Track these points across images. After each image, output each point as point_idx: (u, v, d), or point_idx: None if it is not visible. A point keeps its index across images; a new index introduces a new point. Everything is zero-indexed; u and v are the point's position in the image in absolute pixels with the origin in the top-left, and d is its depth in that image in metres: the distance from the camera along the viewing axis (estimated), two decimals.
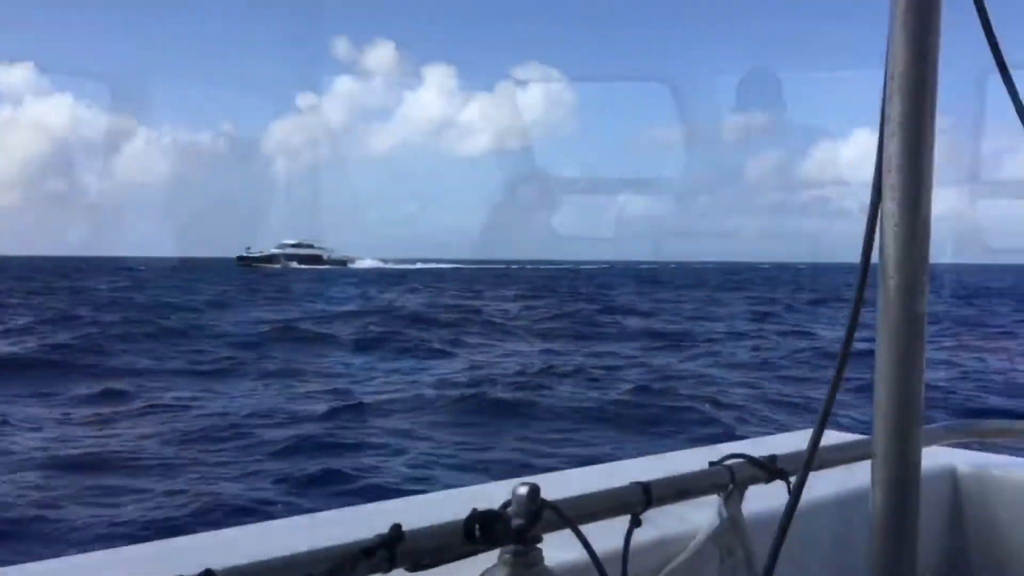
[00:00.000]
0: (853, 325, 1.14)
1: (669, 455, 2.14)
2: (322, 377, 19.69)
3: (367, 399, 16.33)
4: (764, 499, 1.48)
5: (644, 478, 1.44)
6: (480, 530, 1.14)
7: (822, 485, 1.73)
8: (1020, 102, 1.13)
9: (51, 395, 16.60)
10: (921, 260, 1.05)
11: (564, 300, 48.87)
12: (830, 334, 27.56)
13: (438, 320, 33.11)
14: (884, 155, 1.06)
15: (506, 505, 1.21)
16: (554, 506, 1.23)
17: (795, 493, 1.23)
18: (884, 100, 1.05)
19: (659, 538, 1.54)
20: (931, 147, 1.06)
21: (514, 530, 1.16)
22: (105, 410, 15.16)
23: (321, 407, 15.46)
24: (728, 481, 1.51)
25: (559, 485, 1.43)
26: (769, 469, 1.54)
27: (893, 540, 1.13)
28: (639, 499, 1.40)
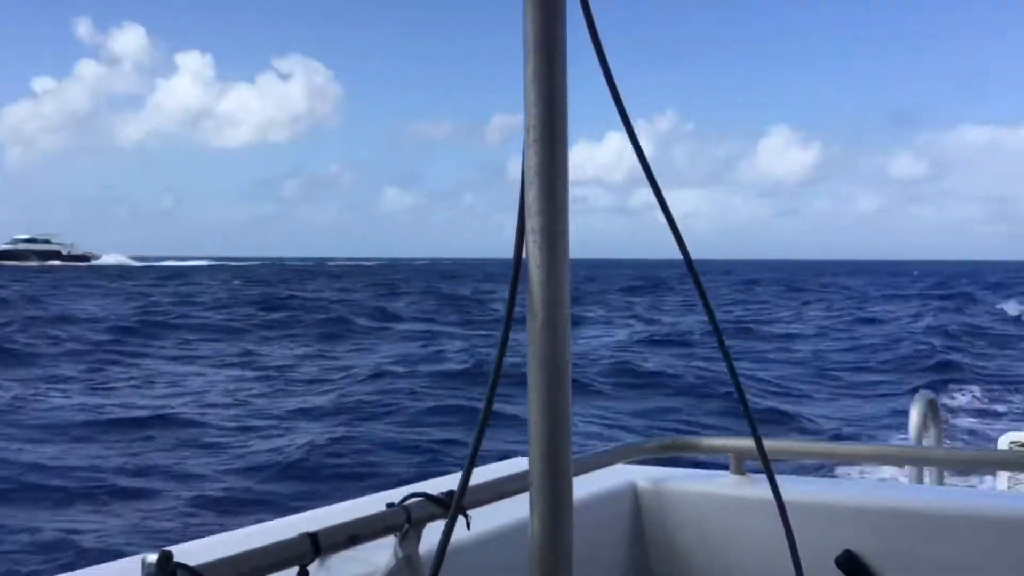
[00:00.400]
0: (501, 358, 1.17)
1: (351, 502, 2.07)
2: None
3: None
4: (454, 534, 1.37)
5: (317, 528, 1.40)
6: None
7: (504, 515, 1.80)
8: (642, 153, 1.22)
9: None
10: (562, 298, 1.09)
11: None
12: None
13: None
14: (526, 202, 1.09)
15: None
16: (193, 571, 1.14)
17: (447, 530, 1.23)
18: (524, 151, 1.10)
19: None
20: (565, 193, 1.10)
21: None
22: None
23: None
24: (404, 521, 1.51)
25: (225, 545, 1.38)
26: (447, 505, 1.53)
27: (549, 569, 1.11)
28: (306, 550, 1.36)
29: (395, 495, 1.61)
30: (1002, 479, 4.48)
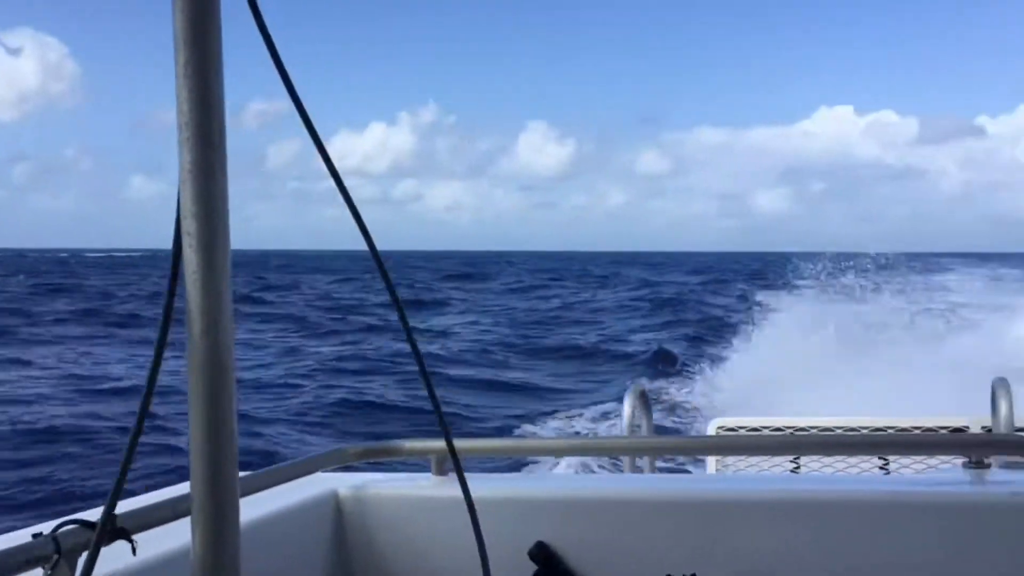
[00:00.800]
0: (156, 369, 1.10)
1: (6, 535, 1.90)
2: None
3: None
4: (117, 563, 1.32)
5: None
6: None
7: (178, 537, 1.63)
8: (323, 146, 1.18)
9: None
10: (222, 304, 1.05)
11: None
12: None
13: None
14: (182, 203, 1.04)
15: None
16: None
17: (90, 556, 1.13)
18: (179, 149, 1.04)
19: None
20: (224, 193, 1.05)
21: None
22: None
23: None
24: (52, 552, 1.38)
25: None
26: (107, 531, 1.37)
27: None
28: None
29: (49, 525, 1.49)
30: (711, 464, 4.64)
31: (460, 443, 1.62)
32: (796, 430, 4.50)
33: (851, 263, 28.38)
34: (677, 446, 3.17)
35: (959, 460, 2.40)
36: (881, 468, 4.07)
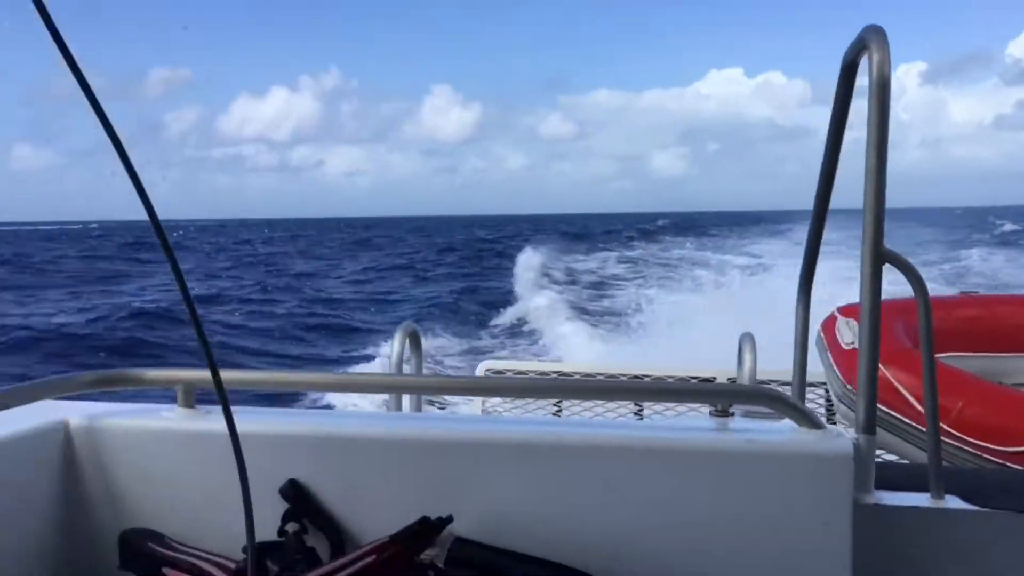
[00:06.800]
0: None
1: None
2: None
3: None
4: None
5: None
6: None
7: None
8: (97, 103, 1.07)
9: None
10: None
11: None
12: None
13: None
14: None
15: None
16: None
17: None
18: None
19: None
20: None
21: None
22: None
23: None
24: None
25: None
26: None
27: None
28: None
29: None
30: (476, 404, 4.71)
31: (223, 374, 1.55)
32: (560, 375, 4.67)
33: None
34: (442, 386, 3.18)
35: (706, 408, 2.53)
36: (636, 414, 4.15)
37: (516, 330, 18.73)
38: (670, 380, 4.18)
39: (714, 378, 4.28)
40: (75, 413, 2.19)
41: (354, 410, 3.70)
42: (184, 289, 1.23)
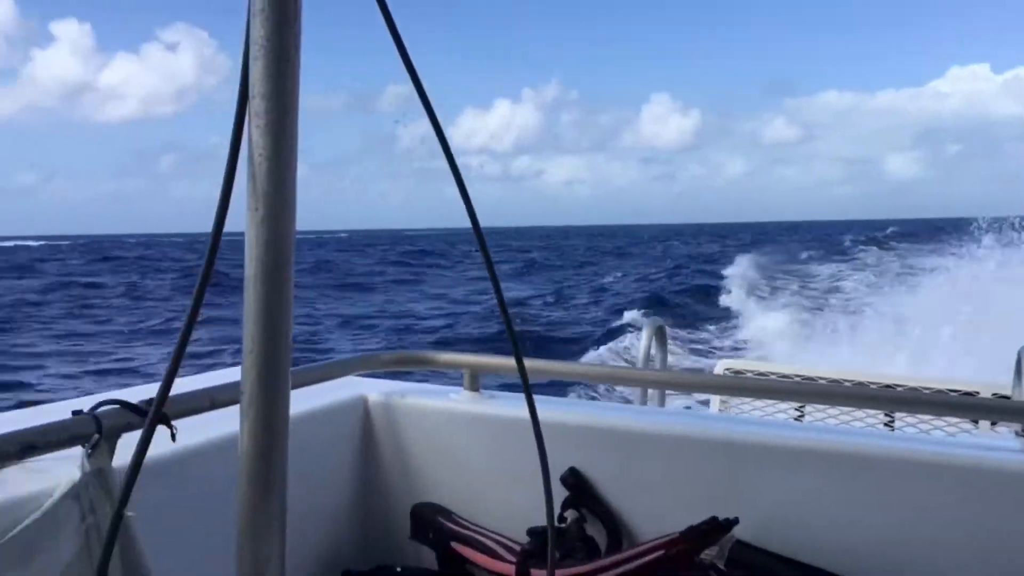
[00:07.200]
0: (212, 257, 1.04)
1: (36, 408, 1.91)
2: None
3: None
4: (155, 448, 1.19)
5: None
6: None
7: (218, 426, 1.71)
8: (435, 118, 1.11)
9: None
10: (287, 190, 0.98)
11: None
12: None
13: None
14: (249, 81, 0.97)
15: None
16: None
17: (143, 439, 1.09)
18: (248, 23, 0.97)
19: (6, 502, 1.37)
20: (296, 70, 0.97)
21: None
22: None
23: None
24: (93, 431, 1.38)
25: None
26: (145, 413, 1.41)
27: (261, 478, 1.03)
28: None
29: (86, 403, 1.48)
30: (715, 403, 4.66)
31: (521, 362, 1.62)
32: (803, 379, 4.45)
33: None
34: (687, 382, 3.07)
35: (966, 424, 2.33)
36: (886, 425, 3.99)
37: (734, 335, 18.46)
38: (926, 391, 3.89)
39: (976, 392, 3.98)
40: (373, 390, 2.33)
41: (633, 405, 3.49)
42: (496, 285, 1.26)
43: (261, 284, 1.00)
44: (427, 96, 1.10)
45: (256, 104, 0.98)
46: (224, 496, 1.17)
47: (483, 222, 1.21)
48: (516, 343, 1.33)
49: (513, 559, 1.93)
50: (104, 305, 30.29)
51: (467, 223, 1.19)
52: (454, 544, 2.06)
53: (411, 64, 1.08)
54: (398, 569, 2.17)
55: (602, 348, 16.98)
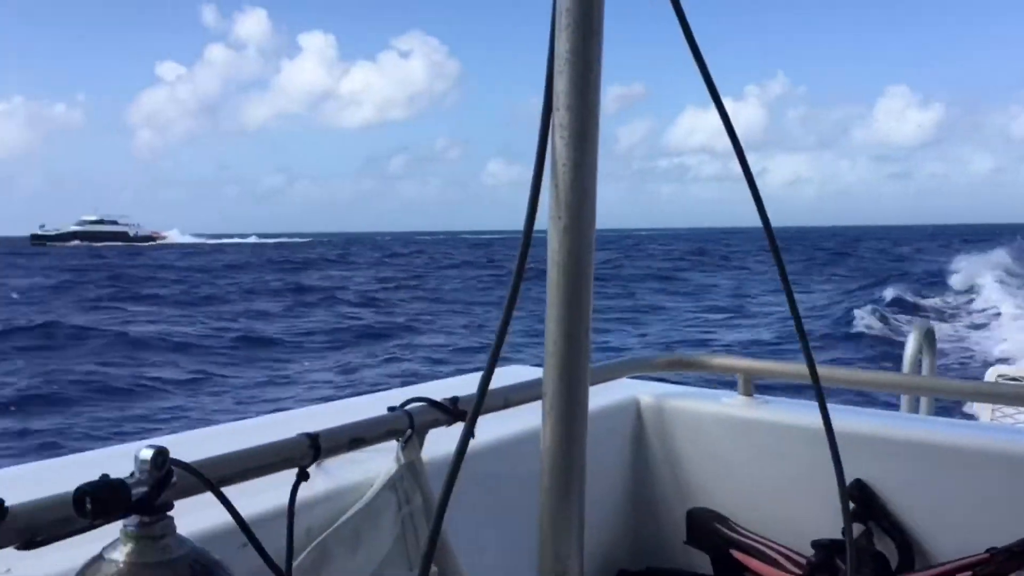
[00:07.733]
0: (522, 263, 1.07)
1: (347, 401, 2.06)
2: None
3: None
4: (451, 442, 1.25)
5: (316, 427, 1.38)
6: (92, 502, 0.96)
7: (510, 424, 1.78)
8: (727, 115, 1.13)
9: None
10: (588, 200, 1.01)
11: None
12: None
13: None
14: (553, 93, 1.00)
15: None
16: (189, 467, 1.11)
17: (464, 434, 1.13)
18: (552, 39, 1.00)
19: (334, 490, 1.48)
20: (598, 84, 1.00)
21: (135, 499, 1.00)
22: None
23: None
24: (407, 426, 1.49)
25: (221, 439, 1.36)
26: (451, 412, 1.52)
27: (562, 476, 1.07)
28: (305, 451, 1.34)
29: (392, 398, 1.58)
30: (984, 411, 4.41)
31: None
32: None
33: None
34: (958, 390, 2.62)
35: None
36: None
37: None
38: None
39: None
40: (645, 392, 2.32)
41: (926, 416, 3.26)
42: (787, 285, 1.26)
43: (563, 290, 1.04)
44: (719, 97, 1.12)
45: (560, 116, 1.01)
46: (527, 488, 1.21)
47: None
48: (808, 348, 1.29)
49: (799, 572, 1.88)
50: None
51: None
52: (734, 552, 2.04)
53: (704, 64, 1.10)
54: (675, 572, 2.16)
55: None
